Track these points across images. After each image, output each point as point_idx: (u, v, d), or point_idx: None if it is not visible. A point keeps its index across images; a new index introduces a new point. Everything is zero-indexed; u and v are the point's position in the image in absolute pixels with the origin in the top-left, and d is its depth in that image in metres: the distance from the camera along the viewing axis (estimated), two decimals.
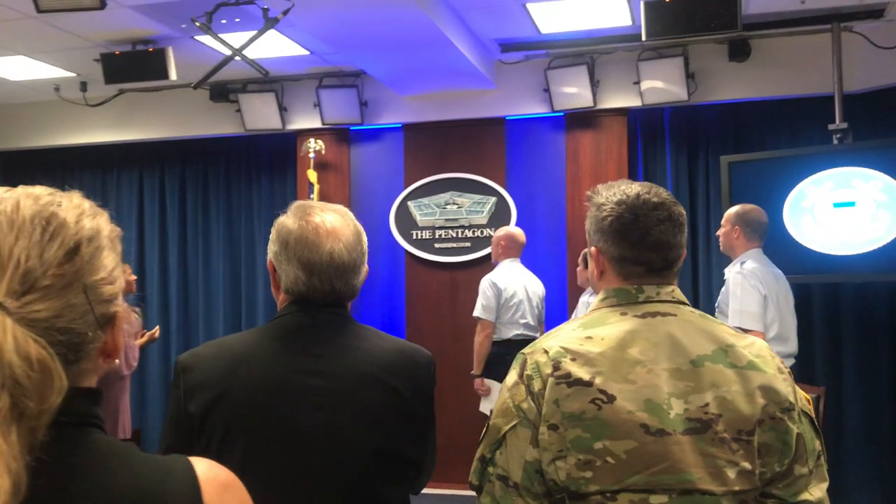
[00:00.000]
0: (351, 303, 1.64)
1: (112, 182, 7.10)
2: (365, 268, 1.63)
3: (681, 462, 1.37)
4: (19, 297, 0.76)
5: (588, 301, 4.72)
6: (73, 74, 5.95)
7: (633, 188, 1.54)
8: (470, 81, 5.64)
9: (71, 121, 6.73)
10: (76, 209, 0.85)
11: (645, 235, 1.49)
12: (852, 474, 5.13)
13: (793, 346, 3.78)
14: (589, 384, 1.39)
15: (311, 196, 6.05)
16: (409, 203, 6.14)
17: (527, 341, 4.90)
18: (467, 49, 5.07)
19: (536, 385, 1.42)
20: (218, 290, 6.78)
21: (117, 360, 0.90)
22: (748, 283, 3.61)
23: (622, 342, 1.43)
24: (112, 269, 0.86)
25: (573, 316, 4.88)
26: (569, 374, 1.40)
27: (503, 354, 4.84)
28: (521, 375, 1.46)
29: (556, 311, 5.71)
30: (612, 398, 1.38)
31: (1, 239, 0.78)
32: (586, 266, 4.82)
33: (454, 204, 6.06)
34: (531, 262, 5.45)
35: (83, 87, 6.14)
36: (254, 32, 4.24)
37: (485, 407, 4.90)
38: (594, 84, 5.59)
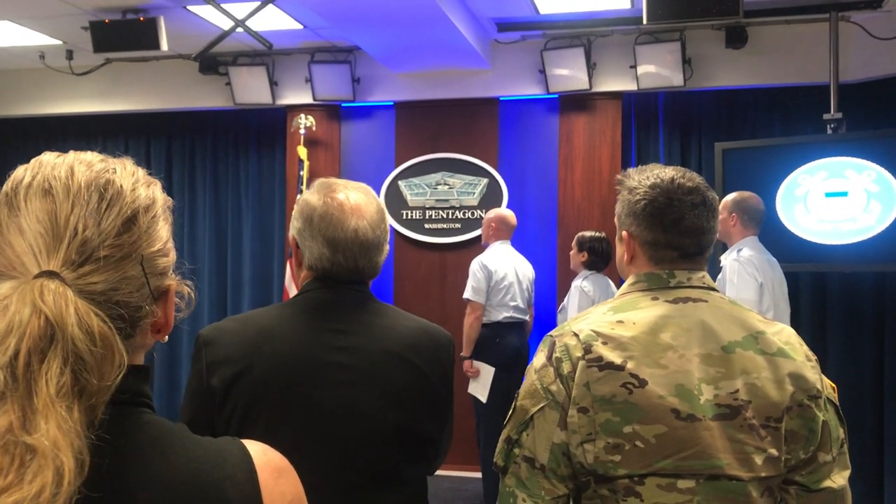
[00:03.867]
0: (372, 280, 1.62)
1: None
2: (387, 246, 1.62)
3: (710, 447, 1.36)
4: (76, 269, 0.73)
5: (581, 285, 4.72)
6: (60, 42, 5.81)
7: (668, 172, 1.52)
8: (465, 60, 5.59)
9: (55, 89, 6.59)
10: (131, 177, 0.82)
11: (679, 220, 1.48)
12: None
13: None
14: (620, 368, 1.38)
15: (301, 173, 5.99)
16: (399, 182, 6.09)
17: (516, 324, 4.91)
18: (464, 27, 5.01)
19: (566, 367, 1.41)
20: (203, 266, 6.69)
21: (166, 337, 0.87)
22: (745, 270, 3.63)
23: (654, 327, 1.42)
24: (166, 240, 0.83)
25: (565, 300, 4.87)
26: (600, 358, 1.39)
27: (492, 337, 4.84)
28: (549, 358, 1.45)
29: (546, 294, 5.72)
30: (643, 382, 1.37)
31: (57, 207, 0.74)
32: (580, 250, 4.82)
33: (445, 184, 6.02)
34: (521, 245, 5.44)
35: (69, 55, 6.00)
36: (256, 4, 4.16)
37: (473, 388, 4.89)
38: (590, 67, 5.56)
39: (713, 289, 1.52)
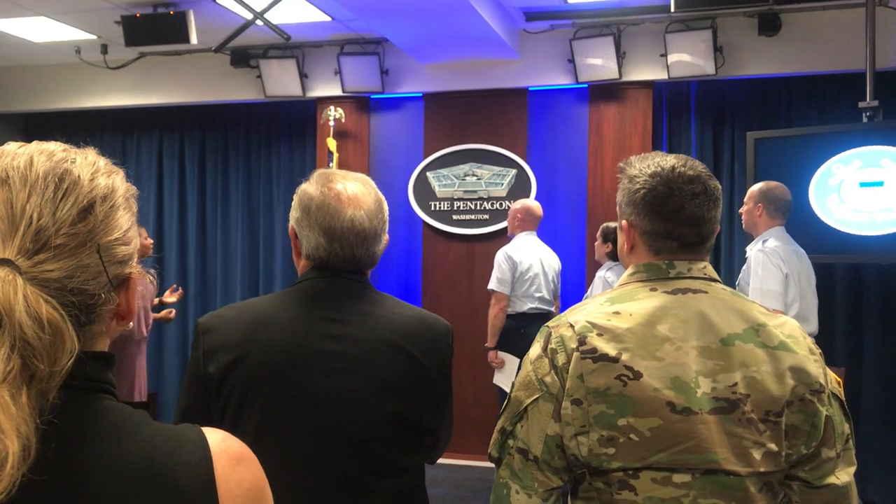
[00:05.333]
0: (370, 270, 1.62)
1: (132, 146, 7.10)
2: (385, 236, 1.62)
3: (706, 441, 1.34)
4: (31, 256, 0.74)
5: (605, 276, 4.68)
6: (95, 37, 5.91)
7: (668, 160, 1.49)
8: (493, 50, 5.56)
9: (92, 83, 6.71)
10: (91, 166, 0.82)
11: (679, 209, 1.45)
12: (870, 458, 5.09)
13: (813, 325, 3.74)
14: (615, 360, 1.36)
15: (330, 165, 6.02)
16: (427, 174, 6.09)
17: (541, 315, 4.89)
18: (491, 17, 4.99)
19: (560, 359, 1.40)
20: (235, 256, 6.79)
21: (131, 324, 0.87)
22: (770, 261, 3.56)
23: (651, 318, 1.40)
24: (127, 229, 0.83)
25: (589, 291, 4.83)
26: (595, 350, 1.38)
27: (517, 328, 4.82)
28: (544, 349, 1.43)
29: (574, 285, 5.68)
30: (638, 375, 1.35)
31: (13, 196, 0.76)
32: (605, 241, 4.78)
33: (473, 175, 6.01)
34: (550, 236, 5.41)
35: (104, 49, 6.10)
36: None
37: (498, 379, 4.88)
38: (620, 56, 5.49)
39: (715, 280, 1.49)
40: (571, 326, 1.42)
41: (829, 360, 4.98)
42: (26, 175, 0.77)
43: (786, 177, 4.23)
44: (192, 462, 0.78)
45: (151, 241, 5.43)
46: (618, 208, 1.58)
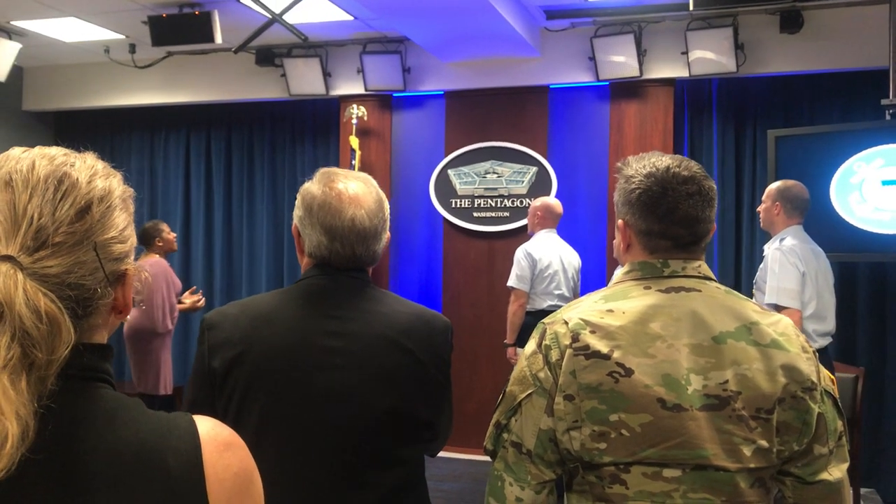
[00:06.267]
0: (371, 268, 1.67)
1: (160, 143, 7.23)
2: (386, 234, 1.66)
3: (696, 438, 1.37)
4: (32, 253, 0.80)
5: None
6: (123, 36, 6.03)
7: (664, 161, 1.51)
8: (514, 48, 5.58)
9: (120, 82, 6.83)
10: (89, 170, 0.88)
11: (673, 209, 1.47)
12: (892, 457, 5.05)
13: (830, 324, 3.72)
14: (607, 357, 1.39)
15: (353, 162, 6.08)
16: (448, 171, 6.13)
17: None
18: (511, 16, 5.01)
19: (554, 355, 1.43)
20: (260, 252, 6.89)
21: (128, 317, 0.93)
22: (787, 259, 3.55)
23: (643, 316, 1.42)
24: (123, 228, 0.89)
25: None
26: (587, 347, 1.41)
27: (536, 325, 4.83)
28: (539, 345, 1.47)
29: (595, 282, 5.69)
30: (629, 372, 1.38)
31: (16, 197, 0.82)
32: None
33: (494, 173, 6.03)
34: (571, 234, 5.42)
35: (132, 49, 6.23)
36: None
37: None
38: (641, 53, 5.49)
39: (709, 278, 1.51)
40: (565, 323, 1.45)
41: (851, 360, 4.97)
42: (28, 178, 0.83)
43: (807, 175, 4.22)
44: (182, 447, 0.83)
45: (175, 236, 5.53)
46: (615, 207, 1.61)
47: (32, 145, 0.89)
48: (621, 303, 1.46)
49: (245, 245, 6.96)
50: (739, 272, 5.60)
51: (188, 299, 5.54)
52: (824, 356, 3.71)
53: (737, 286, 5.62)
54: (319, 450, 1.50)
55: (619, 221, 1.56)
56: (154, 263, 5.25)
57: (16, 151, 0.87)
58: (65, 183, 0.84)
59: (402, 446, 1.56)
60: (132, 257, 0.91)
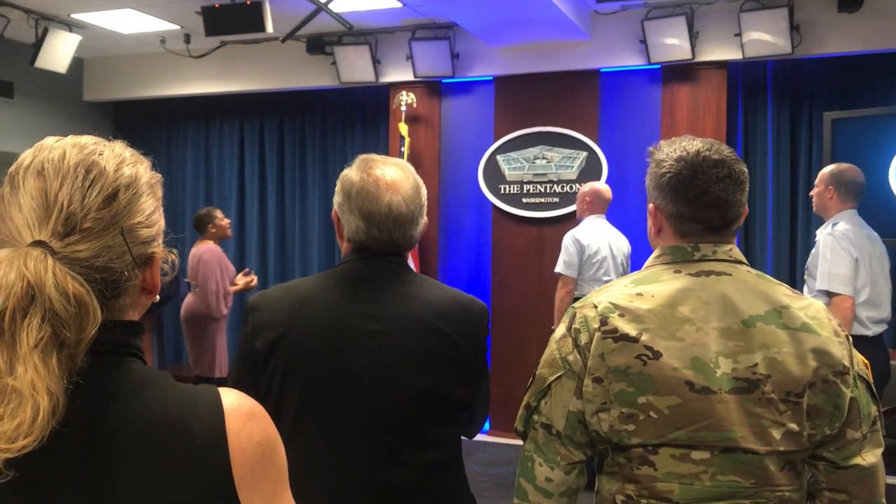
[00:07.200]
0: (409, 252, 1.70)
1: (215, 132, 7.39)
2: (424, 219, 1.69)
3: (724, 420, 1.37)
4: (62, 238, 0.85)
5: None
6: (178, 27, 6.17)
7: (694, 145, 1.51)
8: (563, 32, 5.55)
9: (176, 72, 7.00)
10: (116, 158, 0.92)
11: (703, 193, 1.47)
12: None
13: (885, 311, 3.63)
14: (635, 340, 1.41)
15: (402, 149, 6.12)
16: (497, 157, 6.13)
17: None
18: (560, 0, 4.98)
19: (583, 338, 1.45)
20: (313, 239, 7.01)
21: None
22: (839, 245, 3.47)
23: (673, 300, 1.43)
24: (150, 213, 0.93)
25: None
26: (615, 330, 1.42)
27: None
28: (569, 328, 1.49)
29: None
30: (657, 354, 1.39)
31: (48, 185, 0.87)
32: None
33: (543, 158, 6.01)
34: (622, 218, 5.38)
35: (187, 39, 6.37)
36: None
37: None
38: (693, 35, 5.40)
39: (741, 262, 1.51)
40: (595, 307, 1.47)
41: None
42: (59, 166, 0.88)
43: (864, 158, 4.10)
44: (206, 417, 0.88)
45: (228, 222, 5.66)
46: (648, 192, 1.61)
47: (92, 134, 0.95)
48: (651, 286, 1.47)
49: (298, 231, 7.09)
50: (795, 258, 5.49)
51: (241, 280, 5.67)
52: (879, 343, 3.62)
53: (791, 272, 5.51)
54: (357, 428, 1.54)
55: (651, 205, 1.57)
56: (208, 250, 5.38)
57: (49, 141, 0.92)
58: (93, 171, 0.89)
59: (438, 427, 1.59)
60: (160, 240, 0.95)
